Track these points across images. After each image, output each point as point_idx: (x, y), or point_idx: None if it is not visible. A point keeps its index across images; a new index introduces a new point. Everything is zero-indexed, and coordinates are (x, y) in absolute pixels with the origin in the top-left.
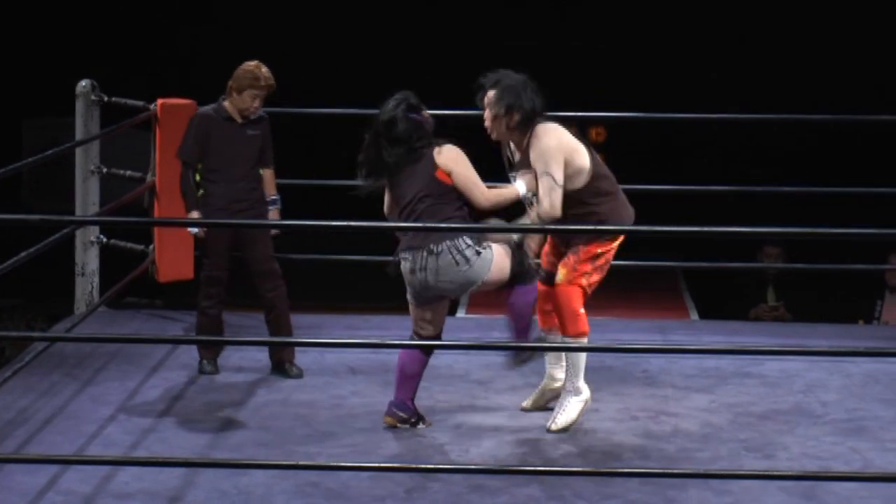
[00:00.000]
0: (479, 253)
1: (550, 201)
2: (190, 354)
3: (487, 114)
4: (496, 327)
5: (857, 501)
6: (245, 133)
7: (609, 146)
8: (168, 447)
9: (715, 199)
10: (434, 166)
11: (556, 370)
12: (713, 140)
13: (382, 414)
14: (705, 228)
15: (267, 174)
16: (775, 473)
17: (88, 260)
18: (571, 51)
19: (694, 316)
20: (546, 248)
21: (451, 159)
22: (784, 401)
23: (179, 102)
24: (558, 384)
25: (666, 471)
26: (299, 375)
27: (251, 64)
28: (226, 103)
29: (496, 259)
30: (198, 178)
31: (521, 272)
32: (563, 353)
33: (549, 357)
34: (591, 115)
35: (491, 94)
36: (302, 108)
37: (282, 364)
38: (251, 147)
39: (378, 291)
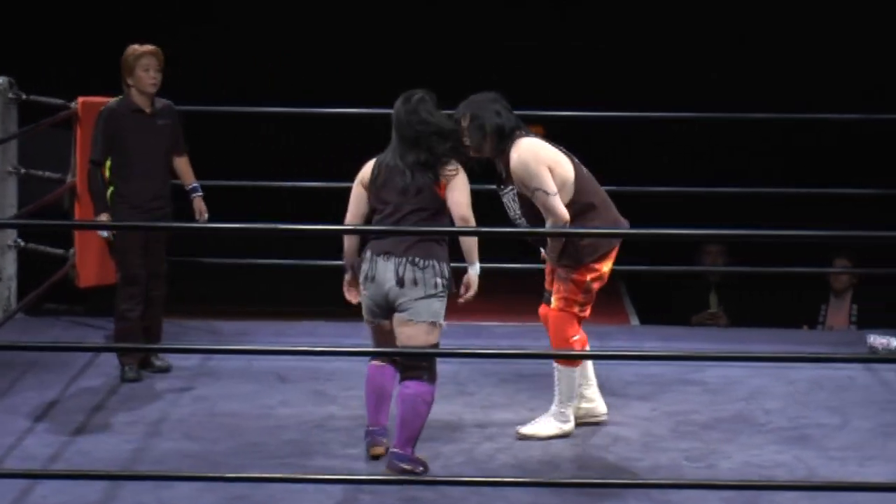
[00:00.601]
0: (445, 294)
1: (554, 211)
2: (112, 362)
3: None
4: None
5: None
6: (155, 123)
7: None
8: (89, 459)
9: (657, 200)
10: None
11: (587, 390)
12: (667, 139)
13: (312, 424)
14: (655, 230)
15: (181, 162)
16: (717, 483)
17: (6, 265)
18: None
19: (634, 322)
20: (547, 267)
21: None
22: (726, 409)
23: (101, 101)
24: (590, 404)
25: (605, 481)
26: (167, 368)
27: (131, 45)
28: (130, 95)
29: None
30: (107, 175)
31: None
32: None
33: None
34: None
35: (464, 124)
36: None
37: (147, 361)
38: (162, 138)
39: (306, 296)
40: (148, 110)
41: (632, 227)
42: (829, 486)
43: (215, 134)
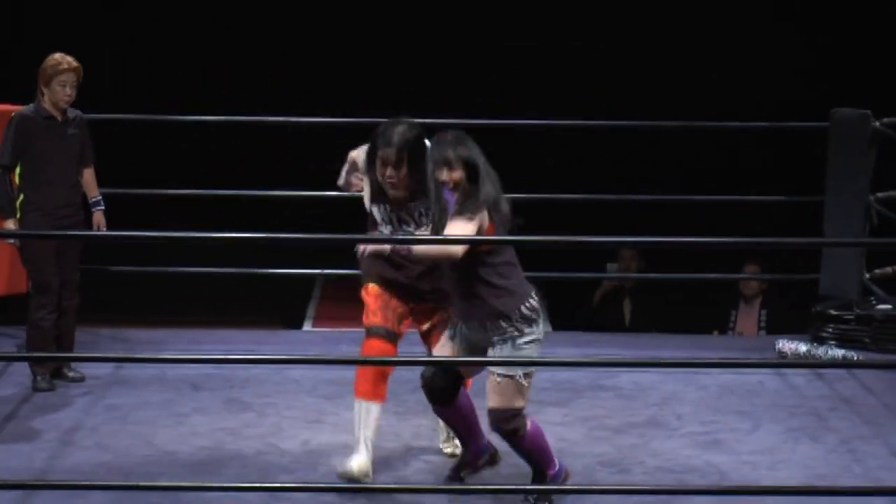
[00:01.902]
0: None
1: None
2: (24, 371)
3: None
4: (343, 340)
5: None
6: (66, 132)
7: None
8: (1, 469)
9: (569, 207)
10: None
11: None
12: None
13: (227, 431)
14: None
15: (87, 174)
16: (630, 488)
17: None
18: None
19: (547, 328)
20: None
21: None
22: (639, 414)
23: (11, 108)
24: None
25: (518, 487)
26: (81, 379)
27: (54, 55)
28: (43, 103)
29: None
30: (17, 182)
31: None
32: None
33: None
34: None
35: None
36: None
37: (60, 371)
38: (72, 147)
39: (220, 305)
40: (60, 118)
41: (548, 233)
42: (741, 490)
43: (131, 141)
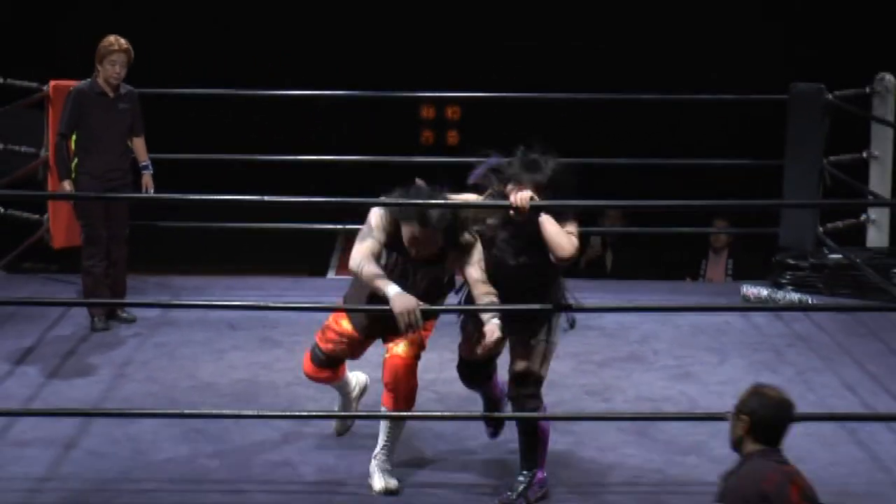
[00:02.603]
0: None
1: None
2: (82, 314)
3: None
4: None
5: (684, 438)
6: (117, 107)
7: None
8: (63, 399)
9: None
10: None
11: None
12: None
13: (260, 365)
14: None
15: (138, 143)
16: (613, 415)
17: None
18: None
19: None
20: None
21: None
22: (621, 350)
23: (70, 84)
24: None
25: (513, 415)
26: (132, 320)
27: (108, 37)
28: (98, 79)
29: None
30: (73, 147)
31: None
32: None
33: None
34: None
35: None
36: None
37: (114, 313)
38: (122, 120)
39: (254, 255)
40: (112, 95)
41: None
42: (710, 416)
43: (179, 113)
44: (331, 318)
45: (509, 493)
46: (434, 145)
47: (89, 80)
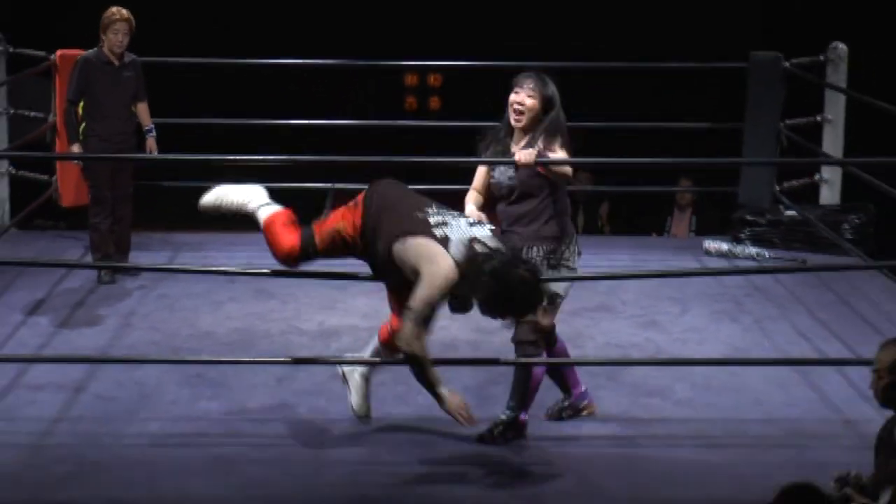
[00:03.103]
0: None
1: None
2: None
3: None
4: None
5: (650, 380)
6: (122, 75)
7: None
8: (73, 347)
9: None
10: None
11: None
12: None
13: (255, 316)
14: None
15: (142, 108)
16: (585, 360)
17: (0, 189)
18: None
19: None
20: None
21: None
22: (591, 300)
23: (75, 53)
24: None
25: (494, 358)
26: (137, 273)
27: (111, 8)
28: (103, 49)
29: None
30: (80, 113)
31: None
32: None
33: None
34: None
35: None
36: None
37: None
38: (127, 87)
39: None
40: (116, 63)
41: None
42: (674, 361)
43: (176, 81)
44: (342, 221)
45: (490, 430)
46: (417, 111)
47: (95, 49)
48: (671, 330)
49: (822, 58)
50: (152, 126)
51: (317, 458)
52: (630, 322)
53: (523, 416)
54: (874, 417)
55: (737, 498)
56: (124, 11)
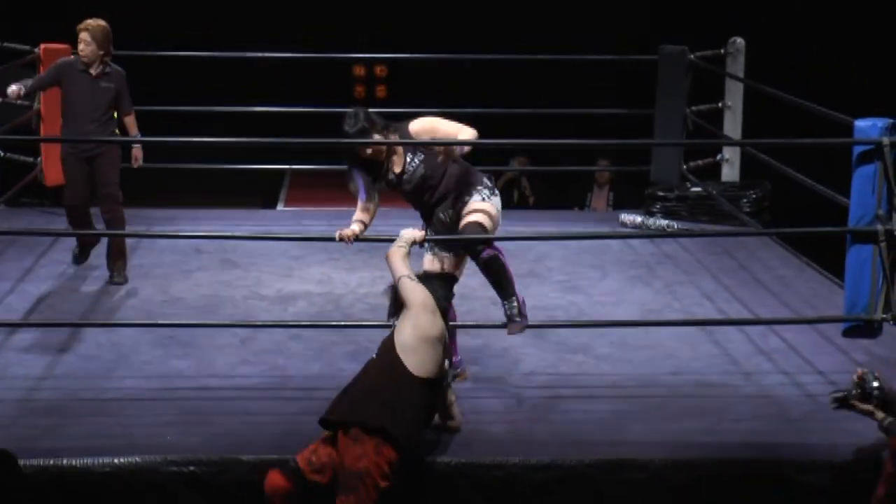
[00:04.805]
0: None
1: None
2: (72, 242)
3: None
4: (305, 217)
5: (574, 339)
6: (98, 85)
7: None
8: (57, 312)
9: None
10: None
11: None
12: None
13: (222, 283)
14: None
15: (128, 120)
16: None
17: None
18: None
19: None
20: None
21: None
22: (521, 267)
23: (58, 47)
24: None
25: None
26: (123, 282)
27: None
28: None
29: None
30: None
31: None
32: None
33: None
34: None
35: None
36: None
37: (110, 277)
38: (102, 96)
39: (218, 192)
40: (93, 72)
41: None
42: (595, 323)
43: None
44: None
45: (509, 315)
46: (365, 98)
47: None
48: (592, 293)
49: (722, 51)
50: (138, 135)
51: (276, 410)
52: (555, 287)
53: (521, 296)
54: (771, 370)
55: (648, 440)
56: (90, 21)
